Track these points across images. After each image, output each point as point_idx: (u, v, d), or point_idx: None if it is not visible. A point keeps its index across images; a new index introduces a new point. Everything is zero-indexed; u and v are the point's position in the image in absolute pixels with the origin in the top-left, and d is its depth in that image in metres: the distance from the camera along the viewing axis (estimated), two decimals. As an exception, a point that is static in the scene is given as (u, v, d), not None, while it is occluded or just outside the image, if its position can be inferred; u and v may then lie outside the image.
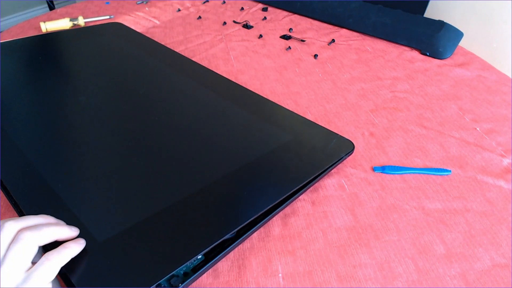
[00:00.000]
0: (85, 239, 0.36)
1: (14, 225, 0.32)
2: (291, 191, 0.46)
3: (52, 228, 0.34)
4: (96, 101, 0.60)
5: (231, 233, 0.40)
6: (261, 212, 0.43)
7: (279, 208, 0.46)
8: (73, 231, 0.36)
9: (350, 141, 0.55)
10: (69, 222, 0.38)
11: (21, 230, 0.32)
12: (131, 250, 0.37)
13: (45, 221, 0.35)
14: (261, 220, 0.44)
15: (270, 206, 0.44)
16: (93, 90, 0.62)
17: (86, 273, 0.34)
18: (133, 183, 0.45)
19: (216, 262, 0.41)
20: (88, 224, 0.39)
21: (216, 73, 0.70)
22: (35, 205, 0.41)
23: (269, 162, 0.50)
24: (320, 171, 0.49)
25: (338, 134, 0.56)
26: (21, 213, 0.43)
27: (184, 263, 0.36)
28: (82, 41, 0.80)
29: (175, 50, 0.86)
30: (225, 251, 0.41)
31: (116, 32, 0.84)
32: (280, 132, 0.55)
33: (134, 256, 0.36)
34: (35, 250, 0.32)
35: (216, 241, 0.38)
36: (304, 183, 0.47)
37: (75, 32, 0.85)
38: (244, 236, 0.42)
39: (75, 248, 0.34)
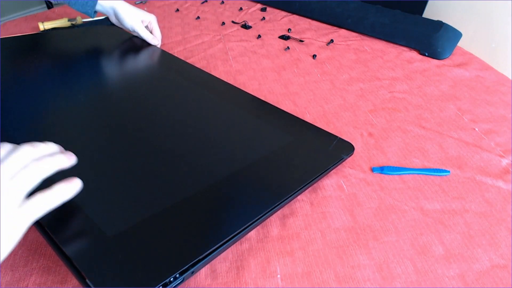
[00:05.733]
0: (95, 234, 0.37)
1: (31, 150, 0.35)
2: (291, 193, 0.46)
3: (56, 159, 0.36)
4: (97, 100, 0.60)
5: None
6: (262, 214, 0.43)
7: (277, 208, 0.46)
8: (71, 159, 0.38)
9: (350, 143, 0.55)
10: (78, 217, 0.39)
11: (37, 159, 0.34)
12: (141, 245, 0.37)
13: (54, 150, 0.37)
14: (259, 219, 0.44)
15: (270, 208, 0.44)
16: (92, 88, 0.62)
17: (97, 267, 0.35)
18: (137, 181, 0.45)
19: (214, 258, 0.41)
20: (97, 219, 0.39)
21: (214, 76, 0.70)
22: None
23: (269, 164, 0.50)
24: (319, 173, 0.49)
25: (337, 136, 0.56)
26: None
27: (191, 261, 0.36)
28: (79, 40, 0.79)
29: (174, 50, 0.86)
30: (223, 246, 0.41)
31: (111, 32, 0.84)
32: (280, 135, 0.55)
33: (145, 251, 0.37)
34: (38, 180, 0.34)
35: (222, 239, 0.39)
36: (304, 185, 0.48)
37: (73, 31, 0.85)
38: (241, 233, 0.42)
39: (69, 191, 0.36)
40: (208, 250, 0.38)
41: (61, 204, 0.35)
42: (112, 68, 0.71)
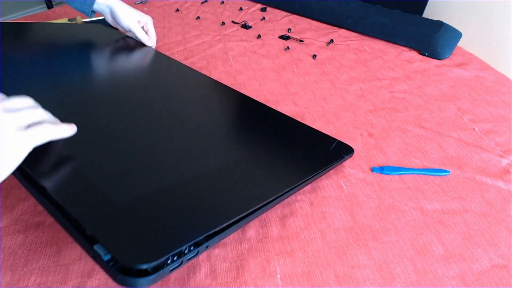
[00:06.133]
0: (106, 202, 0.37)
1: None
2: (292, 187, 0.46)
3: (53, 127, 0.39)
4: (86, 90, 0.59)
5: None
6: (272, 198, 0.43)
7: (278, 200, 0.47)
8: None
9: (349, 145, 0.56)
10: (89, 186, 0.38)
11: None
12: (154, 215, 0.37)
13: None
14: (263, 207, 0.44)
15: (273, 197, 0.44)
16: (84, 80, 0.62)
17: (108, 231, 0.34)
18: (148, 158, 0.45)
19: (226, 236, 0.41)
20: (108, 189, 0.39)
21: (213, 78, 0.71)
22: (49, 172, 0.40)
23: (273, 159, 0.50)
24: (319, 170, 0.50)
25: (336, 139, 0.57)
26: (29, 181, 0.42)
27: (205, 233, 0.36)
28: (73, 35, 0.79)
29: (174, 50, 0.86)
30: (236, 224, 0.41)
31: (106, 31, 0.84)
32: (280, 136, 0.56)
33: (158, 220, 0.36)
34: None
35: (236, 216, 0.39)
36: (304, 180, 0.48)
37: (68, 26, 0.85)
38: (253, 214, 0.43)
39: (67, 131, 0.39)
40: (223, 224, 0.38)
41: (58, 138, 0.38)
42: (104, 64, 0.71)
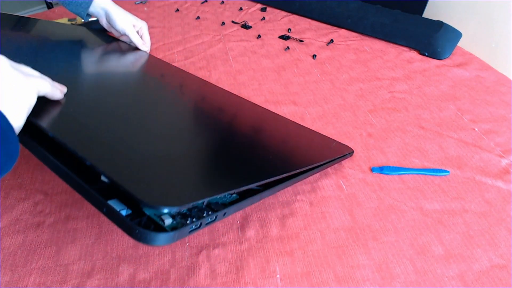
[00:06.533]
0: (121, 153, 0.37)
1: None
2: (297, 171, 0.47)
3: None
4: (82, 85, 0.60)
5: (256, 184, 0.41)
6: (277, 177, 0.44)
7: (280, 186, 0.47)
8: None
9: (349, 147, 0.56)
10: (98, 138, 0.38)
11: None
12: (171, 170, 0.36)
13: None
14: (269, 189, 0.44)
15: (281, 176, 0.44)
16: (79, 76, 0.62)
17: (129, 174, 0.33)
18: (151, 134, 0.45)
19: (244, 206, 0.41)
20: (120, 144, 0.38)
21: (213, 83, 0.71)
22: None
23: (281, 149, 0.51)
24: (321, 163, 0.50)
25: (336, 140, 0.58)
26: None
27: (223, 192, 0.36)
28: (66, 34, 0.78)
29: (174, 50, 0.86)
30: (252, 197, 0.41)
31: (100, 33, 0.84)
32: (280, 137, 0.56)
33: (173, 176, 0.36)
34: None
35: (254, 182, 0.39)
36: (306, 168, 0.48)
37: (61, 25, 0.84)
38: (259, 194, 0.43)
39: (59, 93, 0.43)
40: (244, 187, 0.38)
41: (53, 97, 0.41)
42: (95, 65, 0.70)
